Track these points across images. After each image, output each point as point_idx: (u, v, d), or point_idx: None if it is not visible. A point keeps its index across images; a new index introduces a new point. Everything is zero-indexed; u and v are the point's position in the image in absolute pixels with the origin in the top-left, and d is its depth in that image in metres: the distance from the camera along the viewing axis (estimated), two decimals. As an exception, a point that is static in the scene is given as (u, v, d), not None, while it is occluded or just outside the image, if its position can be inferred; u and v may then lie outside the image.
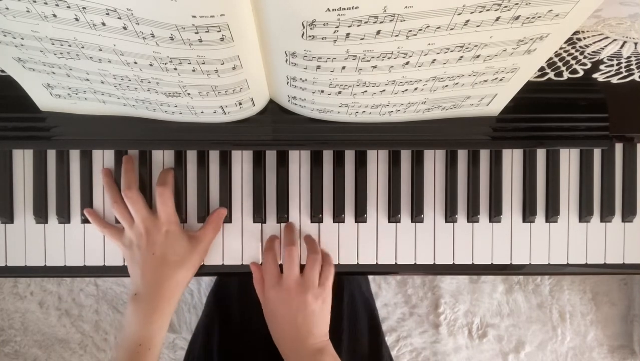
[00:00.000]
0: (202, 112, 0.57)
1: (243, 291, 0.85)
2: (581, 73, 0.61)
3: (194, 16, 0.40)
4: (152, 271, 0.60)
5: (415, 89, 0.53)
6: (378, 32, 0.42)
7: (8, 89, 0.58)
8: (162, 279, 0.60)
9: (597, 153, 0.68)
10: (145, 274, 0.60)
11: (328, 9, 0.39)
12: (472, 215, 0.67)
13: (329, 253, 0.66)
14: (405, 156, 0.67)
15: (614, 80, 0.62)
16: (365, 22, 0.41)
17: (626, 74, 0.61)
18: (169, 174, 0.64)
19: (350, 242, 0.67)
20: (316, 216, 0.67)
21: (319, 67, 0.48)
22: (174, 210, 0.63)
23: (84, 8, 0.40)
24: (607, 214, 0.68)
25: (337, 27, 0.41)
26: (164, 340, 0.60)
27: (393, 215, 0.67)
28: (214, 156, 0.67)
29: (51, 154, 0.67)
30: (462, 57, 0.47)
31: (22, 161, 0.67)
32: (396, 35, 0.43)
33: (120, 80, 0.51)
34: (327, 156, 0.67)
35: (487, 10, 0.40)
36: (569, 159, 0.68)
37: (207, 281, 1.34)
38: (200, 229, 0.65)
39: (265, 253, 0.64)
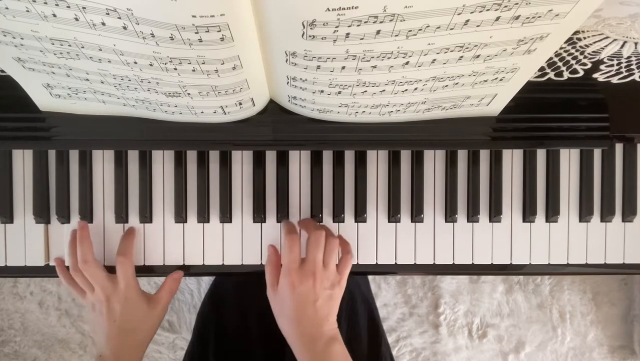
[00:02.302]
0: (202, 112, 0.57)
1: (239, 295, 0.85)
2: (581, 73, 0.61)
3: (194, 16, 0.40)
4: (114, 337, 0.63)
5: (415, 89, 0.53)
6: (378, 32, 0.42)
7: (8, 89, 0.58)
8: (123, 346, 0.63)
9: (597, 153, 0.68)
10: (109, 340, 0.63)
11: (328, 9, 0.39)
12: (472, 215, 0.67)
13: (348, 242, 0.66)
14: (405, 156, 0.67)
15: (614, 80, 0.62)
16: (365, 22, 0.41)
17: (626, 74, 0.61)
18: (130, 243, 0.65)
19: (350, 242, 0.67)
20: (316, 216, 0.67)
21: (319, 67, 0.48)
22: (134, 278, 0.65)
23: (84, 8, 0.40)
24: (607, 214, 0.68)
25: (337, 27, 0.41)
26: None
27: (393, 215, 0.67)
28: (214, 156, 0.67)
29: (51, 154, 0.67)
30: (462, 57, 0.47)
31: (22, 161, 0.67)
32: (396, 36, 0.43)
33: (120, 80, 0.51)
34: (327, 156, 0.67)
35: (487, 10, 0.40)
36: (569, 159, 0.68)
37: (207, 281, 1.34)
38: (157, 292, 0.67)
39: (288, 234, 0.61)
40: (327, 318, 0.60)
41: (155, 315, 0.66)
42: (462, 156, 0.68)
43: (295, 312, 0.59)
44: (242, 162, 0.67)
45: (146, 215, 0.66)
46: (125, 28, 0.42)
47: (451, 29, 0.42)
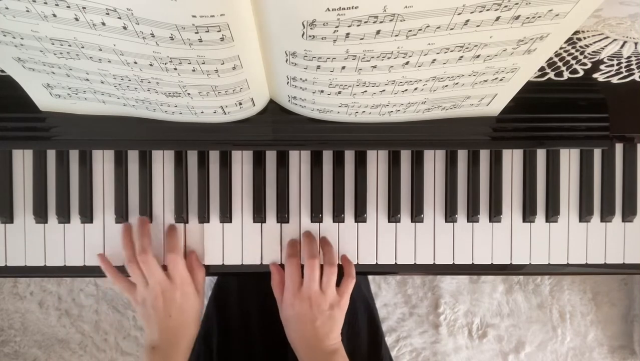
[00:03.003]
0: (202, 112, 0.57)
1: (242, 295, 0.85)
2: (581, 73, 0.61)
3: (194, 16, 0.40)
4: (171, 331, 0.63)
5: (415, 89, 0.53)
6: (378, 32, 0.42)
7: (8, 89, 0.58)
8: (180, 338, 0.63)
9: (597, 153, 0.68)
10: (163, 332, 0.63)
11: (328, 9, 0.39)
12: (472, 215, 0.67)
13: (352, 263, 0.66)
14: (405, 156, 0.67)
15: (614, 80, 0.62)
16: (365, 22, 0.41)
17: (626, 74, 0.61)
18: (176, 239, 0.66)
19: (350, 242, 0.67)
20: (316, 216, 0.67)
21: (319, 67, 0.48)
22: (186, 272, 0.65)
23: (84, 8, 0.40)
24: (607, 214, 0.68)
25: (337, 27, 0.41)
26: None
27: (393, 215, 0.67)
28: (214, 156, 0.67)
29: (51, 154, 0.67)
30: (462, 57, 0.47)
31: (22, 161, 0.67)
32: (396, 36, 0.43)
33: (120, 80, 0.51)
34: (327, 156, 0.67)
35: (487, 10, 0.40)
36: (569, 159, 0.68)
37: (207, 281, 1.34)
38: (195, 283, 0.66)
39: (288, 258, 0.64)
40: (328, 336, 0.62)
41: (201, 301, 0.66)
42: (462, 156, 0.68)
43: (297, 326, 0.63)
44: (242, 162, 0.67)
45: (146, 215, 0.66)
46: (125, 28, 0.42)
47: (451, 29, 0.42)
